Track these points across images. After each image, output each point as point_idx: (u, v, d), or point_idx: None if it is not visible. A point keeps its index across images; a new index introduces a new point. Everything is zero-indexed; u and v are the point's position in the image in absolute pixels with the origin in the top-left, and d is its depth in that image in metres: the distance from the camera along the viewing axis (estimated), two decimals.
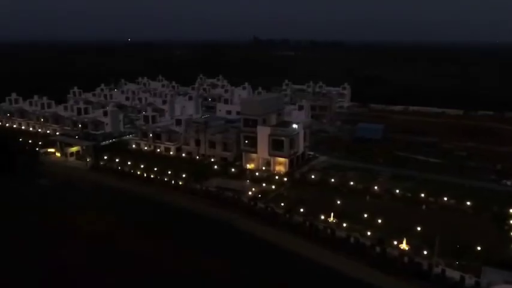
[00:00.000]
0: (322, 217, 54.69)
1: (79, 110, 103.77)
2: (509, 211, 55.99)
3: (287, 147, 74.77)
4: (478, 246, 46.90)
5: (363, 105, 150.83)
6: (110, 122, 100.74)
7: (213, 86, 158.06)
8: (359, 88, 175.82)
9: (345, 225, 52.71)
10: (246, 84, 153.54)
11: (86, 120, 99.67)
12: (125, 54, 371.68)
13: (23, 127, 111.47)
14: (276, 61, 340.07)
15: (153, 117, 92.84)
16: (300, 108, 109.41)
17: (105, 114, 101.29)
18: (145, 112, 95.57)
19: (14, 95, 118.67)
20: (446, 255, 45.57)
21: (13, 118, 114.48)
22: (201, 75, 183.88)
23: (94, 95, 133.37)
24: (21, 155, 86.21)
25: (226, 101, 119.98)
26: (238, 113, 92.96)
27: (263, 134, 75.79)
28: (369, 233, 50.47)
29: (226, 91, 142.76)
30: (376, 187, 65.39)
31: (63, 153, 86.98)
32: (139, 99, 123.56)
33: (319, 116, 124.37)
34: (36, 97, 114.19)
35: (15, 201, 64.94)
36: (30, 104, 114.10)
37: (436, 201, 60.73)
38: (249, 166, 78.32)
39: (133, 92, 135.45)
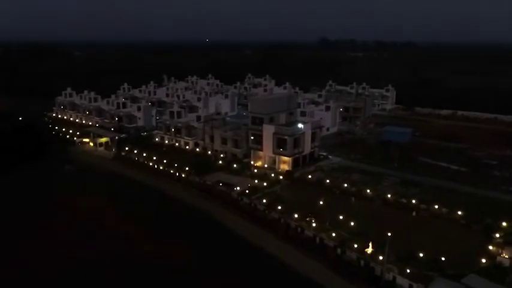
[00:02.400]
0: (296, 216, 54.74)
1: (118, 104, 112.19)
2: (501, 224, 51.90)
3: (290, 146, 75.16)
4: (447, 256, 44.49)
5: (407, 109, 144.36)
6: (143, 116, 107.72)
7: (255, 86, 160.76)
8: (414, 90, 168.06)
9: (314, 225, 52.43)
10: (287, 84, 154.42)
11: (121, 114, 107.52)
12: (200, 54, 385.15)
13: (71, 118, 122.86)
14: (341, 62, 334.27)
15: (178, 113, 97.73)
16: (327, 109, 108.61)
17: (139, 109, 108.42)
18: (172, 108, 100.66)
19: (69, 90, 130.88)
20: (410, 262, 43.93)
21: (65, 110, 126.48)
22: (249, 75, 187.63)
23: (140, 91, 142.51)
24: (58, 143, 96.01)
25: None
26: None
27: (268, 132, 76.91)
28: (333, 234, 49.83)
29: (265, 90, 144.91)
30: (368, 190, 63.69)
31: (95, 143, 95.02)
32: (178, 96, 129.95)
33: (352, 118, 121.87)
34: (86, 92, 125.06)
35: (35, 181, 73.20)
36: (81, 98, 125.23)
37: (428, 208, 57.83)
38: (256, 163, 79.79)
39: (176, 89, 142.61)
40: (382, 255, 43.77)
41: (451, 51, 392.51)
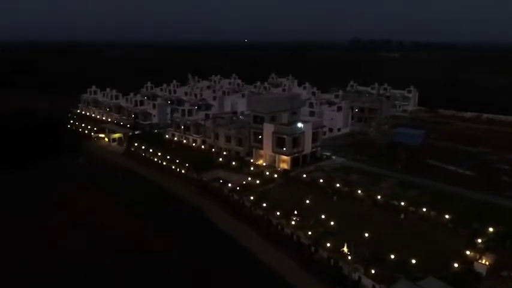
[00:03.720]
0: (278, 213, 55.23)
1: (136, 102, 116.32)
2: (487, 229, 50.25)
3: (289, 146, 75.48)
4: (425, 259, 43.74)
5: (430, 110, 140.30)
6: (157, 114, 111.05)
7: (276, 86, 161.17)
8: (444, 92, 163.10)
9: (293, 223, 52.77)
10: (307, 84, 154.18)
11: (137, 111, 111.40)
12: (233, 53, 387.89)
13: (93, 115, 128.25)
14: (372, 62, 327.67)
15: (189, 111, 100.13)
16: (339, 109, 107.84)
17: (154, 107, 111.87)
18: (183, 106, 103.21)
19: (93, 87, 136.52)
20: (378, 264, 43.58)
21: (89, 107, 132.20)
22: (272, 75, 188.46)
23: (161, 89, 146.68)
24: (76, 138, 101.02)
25: None
26: None
27: (268, 131, 77.57)
28: (309, 233, 49.97)
29: (284, 90, 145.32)
30: (359, 191, 63.16)
31: (109, 139, 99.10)
32: (195, 95, 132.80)
33: (368, 119, 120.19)
34: (108, 89, 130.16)
35: (48, 172, 77.99)
36: (103, 95, 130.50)
37: (417, 211, 56.75)
38: (258, 161, 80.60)
39: (197, 88, 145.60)
40: (353, 255, 43.68)
41: (488, 52, 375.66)
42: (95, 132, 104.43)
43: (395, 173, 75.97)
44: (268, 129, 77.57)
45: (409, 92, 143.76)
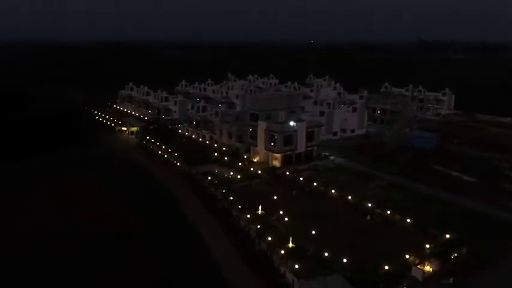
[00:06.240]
0: (239, 206, 56.79)
1: (161, 98, 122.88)
2: (444, 236, 48.24)
3: (280, 143, 76.38)
4: (366, 259, 43.52)
5: (466, 114, 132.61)
6: (178, 109, 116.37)
7: (309, 86, 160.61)
8: (494, 96, 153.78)
9: (249, 216, 54.06)
10: (337, 85, 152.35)
11: (160, 106, 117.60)
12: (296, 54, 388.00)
13: (125, 109, 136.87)
14: (433, 64, 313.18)
15: (204, 107, 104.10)
16: (354, 110, 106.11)
17: (175, 103, 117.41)
18: (198, 103, 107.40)
19: (131, 84, 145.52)
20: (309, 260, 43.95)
21: (124, 102, 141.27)
22: (310, 75, 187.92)
23: (193, 87, 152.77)
24: (102, 130, 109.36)
25: None
26: None
27: (261, 128, 78.99)
28: (258, 227, 51.04)
29: (311, 90, 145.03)
30: (333, 191, 62.82)
31: (128, 132, 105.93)
32: (221, 93, 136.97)
33: (390, 121, 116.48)
34: (141, 86, 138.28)
35: (64, 158, 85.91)
36: (137, 92, 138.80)
37: (383, 213, 55.57)
38: (255, 158, 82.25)
39: (228, 87, 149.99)
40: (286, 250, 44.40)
41: None
42: (118, 125, 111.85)
43: (391, 175, 74.23)
44: (261, 126, 79.02)
45: (444, 94, 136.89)
